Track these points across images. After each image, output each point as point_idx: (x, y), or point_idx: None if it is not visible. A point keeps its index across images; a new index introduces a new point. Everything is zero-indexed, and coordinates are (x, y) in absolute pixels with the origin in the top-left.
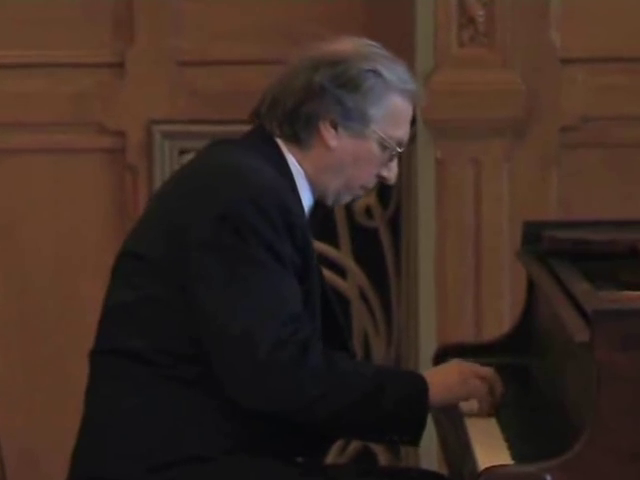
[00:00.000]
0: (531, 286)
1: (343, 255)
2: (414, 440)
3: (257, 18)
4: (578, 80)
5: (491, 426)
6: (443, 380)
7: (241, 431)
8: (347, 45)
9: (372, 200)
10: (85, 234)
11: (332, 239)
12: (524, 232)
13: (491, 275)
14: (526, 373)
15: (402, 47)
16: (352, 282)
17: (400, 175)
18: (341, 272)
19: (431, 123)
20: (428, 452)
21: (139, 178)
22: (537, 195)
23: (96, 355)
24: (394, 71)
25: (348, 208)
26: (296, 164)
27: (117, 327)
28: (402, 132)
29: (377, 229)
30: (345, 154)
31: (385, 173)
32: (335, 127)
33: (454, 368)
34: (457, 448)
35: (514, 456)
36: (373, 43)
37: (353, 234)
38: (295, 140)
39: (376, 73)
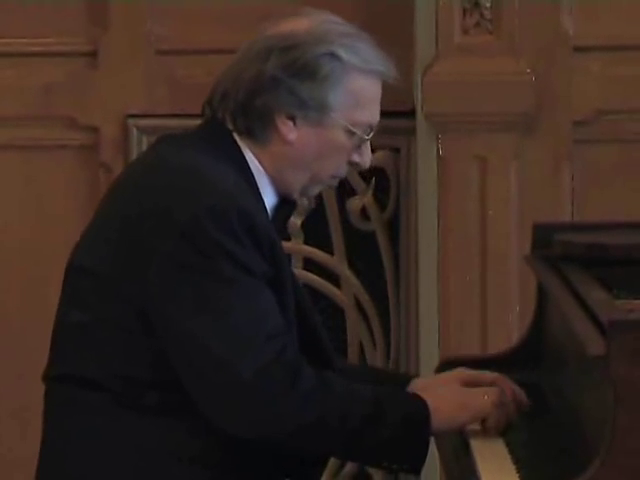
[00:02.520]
0: (541, 294)
1: (337, 261)
2: (415, 469)
3: (242, 3)
4: (593, 70)
5: (498, 447)
6: (447, 404)
7: (214, 459)
8: (301, 25)
9: (368, 201)
10: (55, 236)
11: (325, 243)
12: (534, 235)
13: (498, 282)
14: (536, 389)
15: (400, 34)
16: (347, 290)
17: (399, 174)
18: (335, 279)
19: (432, 117)
20: (430, 475)
21: (114, 177)
22: (548, 195)
23: (51, 381)
24: (355, 51)
25: (342, 210)
26: (255, 161)
27: (71, 351)
28: (369, 115)
29: (374, 232)
30: (307, 147)
31: (357, 159)
32: (293, 119)
33: (456, 389)
34: (461, 471)
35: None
36: (334, 19)
37: (348, 238)
38: (250, 135)
39: (333, 56)
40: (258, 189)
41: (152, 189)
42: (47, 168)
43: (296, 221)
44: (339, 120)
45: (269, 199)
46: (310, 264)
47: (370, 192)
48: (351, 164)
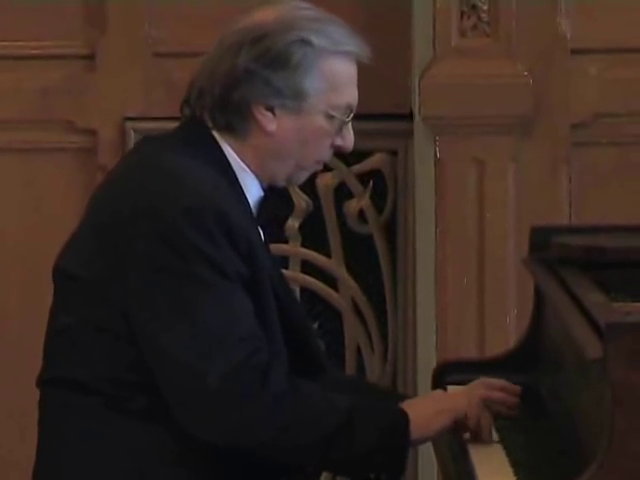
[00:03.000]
0: (539, 297)
1: (334, 264)
2: (395, 474)
3: (239, 6)
4: (590, 73)
5: (496, 451)
6: (423, 411)
7: (204, 462)
8: (270, 14)
9: (365, 204)
10: (54, 238)
11: (322, 246)
12: (531, 238)
13: (495, 285)
14: (533, 392)
15: (398, 37)
16: (344, 293)
17: (396, 177)
18: (332, 282)
19: (430, 119)
20: (428, 479)
21: None
22: (546, 198)
23: (43, 385)
24: (326, 34)
25: (340, 213)
26: (236, 157)
27: (60, 355)
28: (347, 96)
29: (371, 235)
30: (288, 136)
31: (340, 142)
32: (271, 110)
33: (433, 397)
34: (459, 475)
35: None
36: (302, 5)
37: (345, 241)
38: (230, 130)
39: (304, 42)
40: (240, 187)
41: (131, 192)
42: (45, 171)
43: (294, 224)
44: (317, 105)
45: (253, 194)
46: (308, 267)
47: (367, 195)
48: (335, 148)
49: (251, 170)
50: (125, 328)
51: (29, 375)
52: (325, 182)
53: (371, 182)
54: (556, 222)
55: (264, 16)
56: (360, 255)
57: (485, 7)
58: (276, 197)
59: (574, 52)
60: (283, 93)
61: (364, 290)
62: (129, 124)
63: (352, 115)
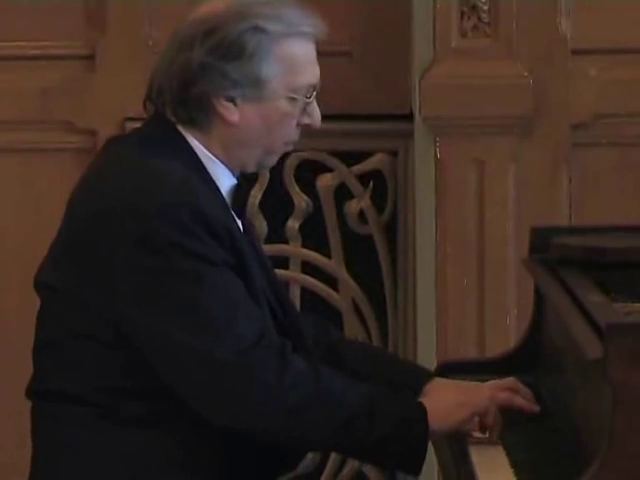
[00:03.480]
0: (539, 298)
1: (334, 264)
2: (413, 469)
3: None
4: (591, 73)
5: (496, 451)
6: (444, 404)
7: (201, 468)
8: (220, 5)
9: (366, 204)
10: (51, 241)
11: (322, 247)
12: (532, 239)
13: (496, 286)
14: (534, 393)
15: (398, 37)
16: (344, 293)
17: (396, 177)
18: (332, 282)
19: (430, 120)
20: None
21: None
22: (546, 198)
23: (34, 397)
24: (279, 18)
25: (340, 213)
26: (203, 149)
27: (49, 366)
28: (308, 76)
29: (371, 236)
30: (252, 124)
31: (307, 120)
32: (232, 100)
33: (455, 389)
34: (459, 475)
35: None
36: None
37: (345, 241)
38: (194, 124)
39: (257, 29)
40: (211, 177)
41: (102, 195)
42: (45, 171)
43: (294, 224)
44: (278, 90)
45: (225, 183)
46: (308, 267)
47: (368, 195)
48: (302, 126)
49: (220, 160)
50: (111, 336)
51: (28, 378)
52: (325, 183)
53: (371, 183)
54: (556, 223)
55: (215, 6)
56: (360, 255)
57: (485, 7)
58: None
59: (574, 53)
60: (241, 83)
61: (364, 290)
62: (129, 124)
63: (315, 93)
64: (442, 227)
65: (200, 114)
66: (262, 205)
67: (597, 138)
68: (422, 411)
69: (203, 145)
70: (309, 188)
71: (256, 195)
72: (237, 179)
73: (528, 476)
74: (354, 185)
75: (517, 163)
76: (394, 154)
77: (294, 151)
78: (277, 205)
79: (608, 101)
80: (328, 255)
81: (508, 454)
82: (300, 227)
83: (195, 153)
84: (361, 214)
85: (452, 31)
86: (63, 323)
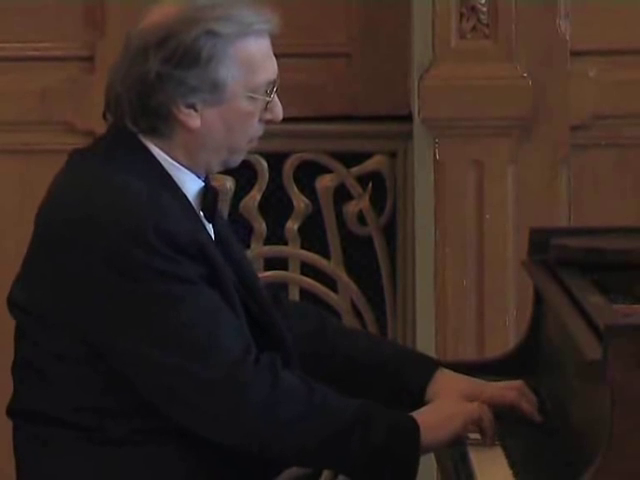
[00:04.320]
0: (538, 299)
1: (333, 265)
2: None
3: None
4: (590, 75)
5: (495, 453)
6: (434, 417)
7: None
8: (170, 12)
9: (365, 205)
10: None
11: (321, 248)
12: (531, 240)
13: (495, 287)
14: (533, 394)
15: (397, 39)
16: (343, 295)
17: (395, 178)
18: (331, 284)
19: (429, 122)
20: (426, 479)
21: None
22: (545, 200)
23: (15, 417)
24: (230, 19)
25: (339, 215)
26: (166, 157)
27: (29, 386)
28: (266, 72)
29: (370, 237)
30: (215, 128)
31: (269, 116)
32: (192, 107)
33: (445, 408)
34: (458, 475)
35: None
36: None
37: (344, 242)
38: (155, 133)
39: (210, 33)
40: (177, 186)
41: (66, 213)
42: (45, 173)
43: (293, 225)
44: (238, 92)
45: (192, 188)
46: (307, 269)
47: (367, 197)
48: (264, 122)
49: (184, 166)
50: (89, 355)
51: None
52: (324, 184)
53: (370, 184)
54: (555, 224)
55: (165, 13)
56: (359, 257)
57: (484, 9)
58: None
59: (573, 54)
60: (200, 89)
61: (363, 292)
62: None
63: (275, 89)
64: (441, 228)
65: (161, 123)
66: (261, 206)
67: (596, 139)
68: (414, 427)
69: (166, 153)
70: (308, 189)
71: (255, 196)
72: (204, 181)
73: (527, 477)
74: (353, 186)
75: (516, 164)
76: (393, 155)
77: (293, 152)
78: (276, 206)
79: (607, 102)
80: (327, 256)
81: (507, 455)
82: (299, 228)
83: (158, 162)
84: (360, 215)
85: (451, 32)
86: (38, 344)
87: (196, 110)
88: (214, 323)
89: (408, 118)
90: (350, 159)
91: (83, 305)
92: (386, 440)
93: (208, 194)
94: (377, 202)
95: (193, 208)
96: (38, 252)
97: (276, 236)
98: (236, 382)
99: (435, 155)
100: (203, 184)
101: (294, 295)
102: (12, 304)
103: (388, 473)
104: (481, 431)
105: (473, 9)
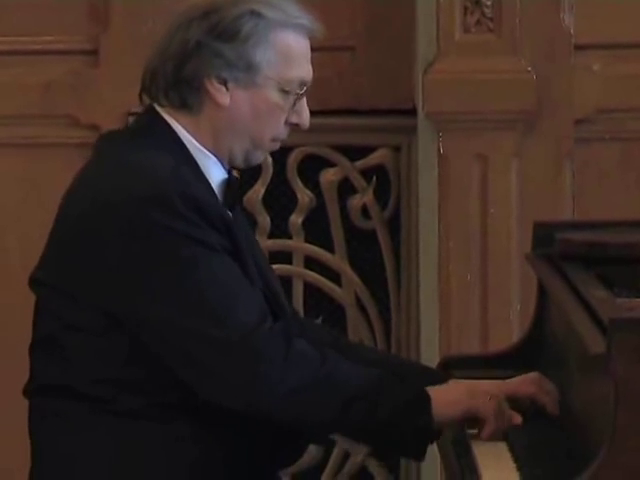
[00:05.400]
0: (542, 293)
1: (337, 259)
2: (416, 454)
3: None
4: (594, 68)
5: (499, 446)
6: (448, 393)
7: (204, 457)
8: None
9: (369, 199)
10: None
11: (325, 242)
12: (535, 234)
13: (499, 281)
14: None
15: (401, 32)
16: (347, 289)
17: (399, 172)
18: (335, 278)
19: (433, 115)
20: (430, 474)
21: None
22: (549, 194)
23: (30, 394)
24: (277, 7)
25: (343, 208)
26: (193, 140)
27: (45, 362)
28: (301, 70)
29: (374, 231)
30: (242, 110)
31: (295, 119)
32: (224, 83)
33: (460, 384)
34: (462, 469)
35: (524, 478)
36: None
37: (348, 236)
38: (184, 107)
39: (254, 14)
40: (201, 171)
41: (92, 192)
42: (48, 166)
43: (297, 219)
44: (270, 79)
45: (215, 176)
46: (311, 262)
47: (371, 190)
48: (290, 125)
49: (209, 151)
50: (109, 327)
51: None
52: (328, 178)
53: (374, 178)
54: (559, 218)
55: None
56: (363, 250)
57: (489, 3)
58: (237, 181)
59: (577, 48)
60: (235, 65)
61: (367, 285)
62: (132, 119)
63: (305, 90)
64: (445, 222)
65: (191, 95)
66: (265, 200)
67: (600, 133)
68: (426, 396)
69: (192, 134)
70: (312, 183)
71: (259, 190)
72: (228, 173)
73: (530, 471)
74: (357, 180)
75: (520, 158)
76: (397, 149)
77: (297, 146)
78: (280, 200)
79: (611, 96)
80: (331, 250)
81: (510, 449)
82: (303, 222)
83: (185, 147)
84: (364, 209)
85: (455, 26)
86: (58, 317)
87: (227, 88)
88: (232, 290)
89: (412, 112)
90: (354, 153)
91: (105, 271)
92: (397, 411)
93: (230, 183)
94: (381, 196)
95: (216, 195)
96: (64, 230)
97: (280, 230)
98: (250, 347)
99: (439, 149)
100: (227, 175)
101: (298, 289)
102: (35, 280)
103: (398, 442)
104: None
105: (477, 3)
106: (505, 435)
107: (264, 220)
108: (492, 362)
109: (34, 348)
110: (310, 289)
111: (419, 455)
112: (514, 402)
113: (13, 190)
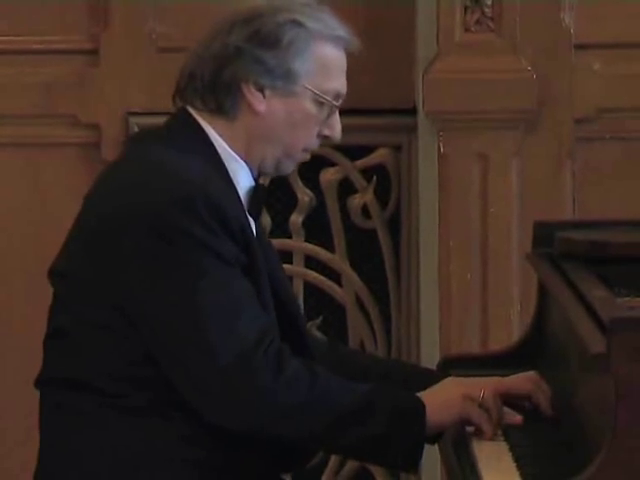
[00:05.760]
0: (542, 292)
1: (338, 258)
2: (410, 467)
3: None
4: (594, 68)
5: (499, 446)
6: (441, 400)
7: (209, 456)
8: (261, 2)
9: (369, 199)
10: (57, 234)
11: (326, 241)
12: (535, 233)
13: (499, 280)
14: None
15: (402, 31)
16: (348, 288)
17: (400, 172)
18: (336, 277)
19: (434, 115)
20: (431, 474)
21: None
22: (549, 193)
23: (42, 385)
24: (318, 19)
25: (343, 208)
26: (225, 145)
27: (58, 354)
28: (337, 83)
29: (375, 230)
30: (277, 118)
31: (327, 132)
32: (261, 90)
33: (452, 387)
34: (462, 469)
35: (524, 478)
36: None
37: (349, 236)
38: (220, 111)
39: (296, 23)
40: (229, 176)
41: (119, 189)
42: (49, 166)
43: (297, 219)
44: (308, 88)
45: (244, 183)
46: (311, 262)
47: (371, 190)
48: (323, 137)
49: (240, 157)
50: (122, 324)
51: (34, 375)
52: (329, 177)
53: (375, 177)
54: (560, 217)
55: (255, 3)
56: (364, 250)
57: (489, 2)
58: (264, 189)
59: (578, 47)
60: (273, 72)
61: (367, 285)
62: (133, 119)
63: (340, 102)
64: (445, 221)
65: (228, 100)
66: (265, 199)
67: (600, 132)
68: (420, 407)
69: (225, 139)
70: (312, 183)
71: None
72: (255, 180)
73: (531, 470)
74: (357, 179)
75: (520, 157)
76: (398, 149)
77: None
78: (280, 199)
79: (612, 95)
80: (331, 250)
81: (511, 448)
82: (303, 222)
83: (216, 151)
84: (364, 208)
85: (456, 25)
86: (75, 311)
87: (264, 95)
88: (236, 306)
89: (413, 111)
90: (354, 152)
91: (120, 267)
92: (389, 426)
93: (258, 192)
94: (381, 195)
95: (241, 202)
96: (89, 227)
97: (280, 229)
98: (243, 371)
99: (439, 148)
100: (254, 183)
101: (298, 288)
102: (54, 272)
103: (392, 457)
104: (487, 417)
105: (477, 2)
106: (505, 435)
107: (264, 220)
108: (492, 362)
109: (48, 340)
110: (310, 289)
111: (413, 468)
112: (512, 400)
113: (15, 189)
